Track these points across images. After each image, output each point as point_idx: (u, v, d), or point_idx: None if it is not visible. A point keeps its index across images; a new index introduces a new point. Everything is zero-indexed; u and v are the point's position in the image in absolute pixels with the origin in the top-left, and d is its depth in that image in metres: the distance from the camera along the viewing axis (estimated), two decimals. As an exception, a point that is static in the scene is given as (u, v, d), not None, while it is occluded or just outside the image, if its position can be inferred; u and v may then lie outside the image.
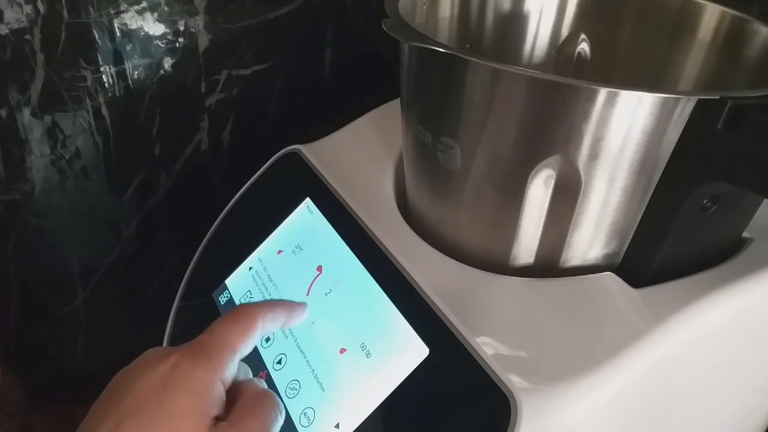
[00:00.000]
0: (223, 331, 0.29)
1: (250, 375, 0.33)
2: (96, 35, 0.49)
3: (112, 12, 0.49)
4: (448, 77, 0.32)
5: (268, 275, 0.42)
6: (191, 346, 0.28)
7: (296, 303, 0.35)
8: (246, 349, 0.30)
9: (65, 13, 0.47)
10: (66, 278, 0.58)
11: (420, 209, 0.40)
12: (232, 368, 0.29)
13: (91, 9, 0.48)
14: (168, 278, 0.64)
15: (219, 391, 0.28)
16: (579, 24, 0.45)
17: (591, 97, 0.28)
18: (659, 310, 0.32)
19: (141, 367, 0.28)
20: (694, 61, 0.40)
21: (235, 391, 0.29)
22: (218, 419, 0.27)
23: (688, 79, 0.41)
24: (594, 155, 0.30)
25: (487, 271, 0.35)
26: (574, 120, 0.29)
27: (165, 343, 0.46)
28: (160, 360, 0.27)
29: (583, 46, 0.44)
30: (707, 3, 0.39)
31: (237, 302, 0.42)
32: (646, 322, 0.31)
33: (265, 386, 0.32)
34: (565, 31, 0.45)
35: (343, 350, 0.35)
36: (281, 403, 0.30)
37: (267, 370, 0.38)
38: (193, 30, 0.53)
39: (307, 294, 0.39)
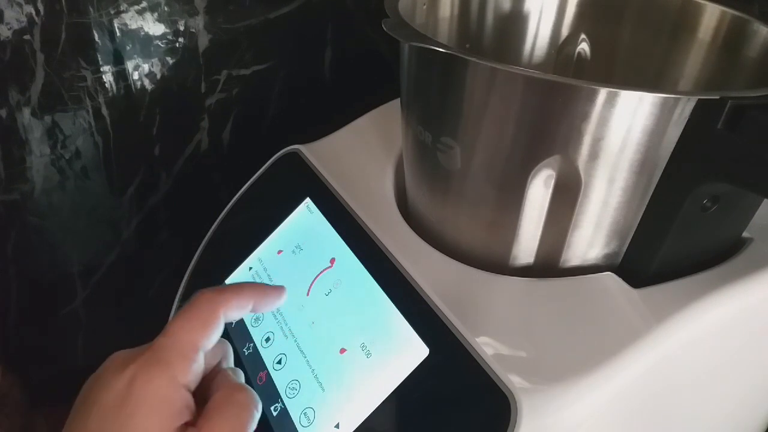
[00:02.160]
0: (180, 330, 0.27)
1: (230, 357, 0.31)
2: (96, 35, 0.49)
3: (112, 12, 0.49)
4: (448, 77, 0.32)
5: (268, 275, 0.42)
6: (147, 353, 0.26)
7: (269, 286, 0.31)
8: (209, 343, 0.28)
9: (65, 13, 0.47)
10: (66, 278, 0.58)
11: (420, 209, 0.40)
12: (196, 368, 0.27)
13: (91, 9, 0.48)
14: (168, 278, 0.64)
15: (183, 398, 0.26)
16: (579, 24, 0.45)
17: (591, 97, 0.28)
18: (659, 310, 0.32)
19: (103, 379, 0.26)
20: (694, 61, 0.40)
21: (207, 386, 0.28)
22: (189, 424, 0.26)
23: (688, 79, 0.41)
24: (594, 155, 0.30)
25: (487, 271, 0.35)
26: (574, 120, 0.29)
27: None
28: (119, 373, 0.26)
29: (583, 46, 0.44)
30: (707, 3, 0.39)
31: (237, 302, 0.42)
32: (646, 322, 0.31)
33: (242, 378, 0.30)
34: (565, 31, 0.45)
35: (343, 350, 0.35)
36: (256, 398, 0.28)
37: (267, 370, 0.38)
38: (193, 30, 0.53)
39: (307, 294, 0.39)
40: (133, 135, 0.55)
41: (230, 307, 0.29)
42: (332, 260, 0.39)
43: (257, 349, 0.39)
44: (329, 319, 0.37)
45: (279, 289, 0.31)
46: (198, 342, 0.27)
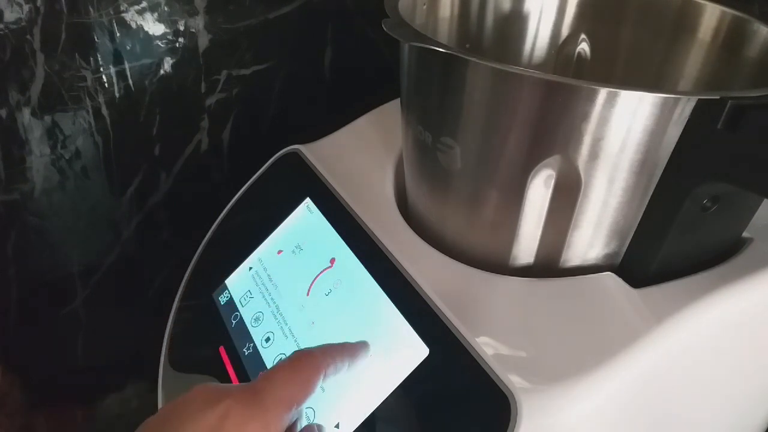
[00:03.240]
0: (283, 380, 0.27)
1: (303, 412, 0.31)
2: (96, 35, 0.49)
3: (112, 12, 0.49)
4: (448, 77, 0.32)
5: (268, 275, 0.42)
6: (246, 392, 0.26)
7: (357, 345, 0.32)
8: (303, 403, 0.28)
9: (65, 13, 0.47)
10: (66, 278, 0.58)
11: (420, 209, 0.40)
12: (286, 422, 0.27)
13: (91, 9, 0.48)
14: (168, 278, 0.64)
15: None
16: (579, 24, 0.45)
17: (591, 97, 0.28)
18: (659, 310, 0.32)
19: (191, 408, 0.26)
20: (694, 61, 0.40)
21: None
22: None
23: (688, 79, 0.41)
24: (594, 155, 0.30)
25: (487, 271, 0.35)
26: (574, 120, 0.29)
27: (165, 343, 0.46)
28: (211, 405, 0.25)
29: (583, 46, 0.44)
30: (707, 3, 0.39)
31: (237, 302, 0.42)
32: (646, 322, 0.31)
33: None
34: (565, 31, 0.45)
35: (343, 350, 0.35)
36: None
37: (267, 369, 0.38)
38: (193, 30, 0.53)
39: (308, 294, 0.39)
40: (133, 135, 0.55)
41: (329, 372, 0.29)
42: (332, 260, 0.39)
43: (257, 349, 0.39)
44: (329, 319, 0.37)
45: (364, 345, 0.33)
46: (297, 398, 0.27)
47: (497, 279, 0.35)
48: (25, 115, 0.49)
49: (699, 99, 0.28)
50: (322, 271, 0.39)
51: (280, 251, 0.42)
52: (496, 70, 0.30)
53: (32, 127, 0.50)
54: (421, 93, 0.35)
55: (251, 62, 0.57)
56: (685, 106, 0.28)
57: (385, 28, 0.31)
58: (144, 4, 0.50)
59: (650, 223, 0.33)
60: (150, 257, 0.62)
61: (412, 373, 0.32)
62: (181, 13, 0.51)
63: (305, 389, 0.28)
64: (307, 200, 0.43)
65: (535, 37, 0.46)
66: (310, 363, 0.28)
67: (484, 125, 0.32)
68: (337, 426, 0.33)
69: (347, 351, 0.31)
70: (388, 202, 0.41)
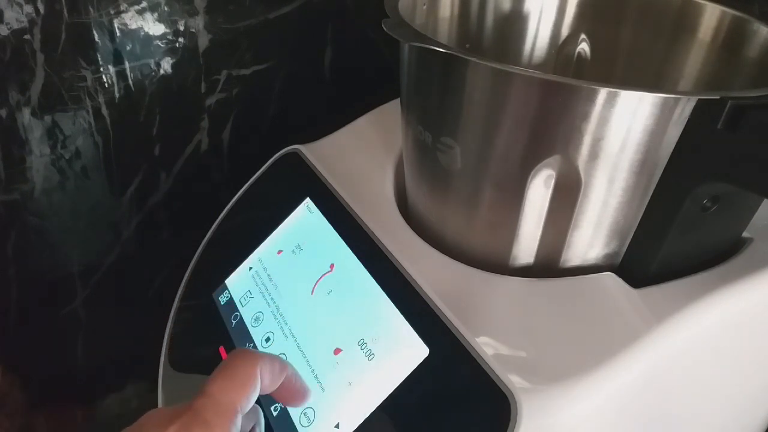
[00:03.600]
0: (220, 391, 0.27)
1: (262, 423, 0.31)
2: (96, 35, 0.49)
3: (112, 12, 0.49)
4: (448, 77, 0.32)
5: (268, 275, 0.42)
6: (188, 414, 0.26)
7: (301, 381, 0.32)
8: (248, 405, 0.28)
9: (65, 13, 0.47)
10: (66, 278, 0.58)
11: (420, 209, 0.40)
12: (236, 430, 0.27)
13: (91, 9, 0.48)
14: (168, 278, 0.64)
15: None
16: (579, 24, 0.45)
17: (591, 97, 0.28)
18: (659, 310, 0.32)
19: None
20: (694, 61, 0.40)
21: None
22: None
23: (688, 79, 0.41)
24: (594, 155, 0.30)
25: (487, 271, 0.35)
26: (574, 120, 0.29)
27: (165, 343, 0.46)
28: None
29: (583, 46, 0.44)
30: (707, 3, 0.39)
31: (237, 302, 0.42)
32: (646, 322, 0.31)
33: None
34: (565, 31, 0.45)
35: (343, 350, 0.35)
36: None
37: (267, 370, 0.38)
38: (193, 30, 0.53)
39: (308, 294, 0.39)
40: (133, 135, 0.55)
41: (266, 369, 0.28)
42: (332, 260, 0.39)
43: (257, 350, 0.39)
44: (329, 319, 0.37)
45: (306, 389, 0.33)
46: (237, 403, 0.27)
47: (497, 279, 0.35)
48: (25, 115, 0.49)
49: (699, 99, 0.28)
50: (323, 274, 0.39)
51: (280, 251, 0.42)
52: (496, 70, 0.30)
53: (32, 127, 0.50)
54: (421, 93, 0.35)
55: (251, 62, 0.57)
56: (685, 106, 0.28)
57: (385, 28, 0.31)
58: (144, 4, 0.50)
59: (650, 223, 0.33)
60: (150, 257, 0.62)
61: (412, 373, 0.32)
62: (181, 13, 0.51)
63: (243, 392, 0.27)
64: (307, 200, 0.43)
65: (535, 37, 0.46)
66: (244, 362, 0.28)
67: (484, 125, 0.32)
68: (337, 426, 0.33)
69: (286, 363, 0.31)
70: (388, 202, 0.41)
